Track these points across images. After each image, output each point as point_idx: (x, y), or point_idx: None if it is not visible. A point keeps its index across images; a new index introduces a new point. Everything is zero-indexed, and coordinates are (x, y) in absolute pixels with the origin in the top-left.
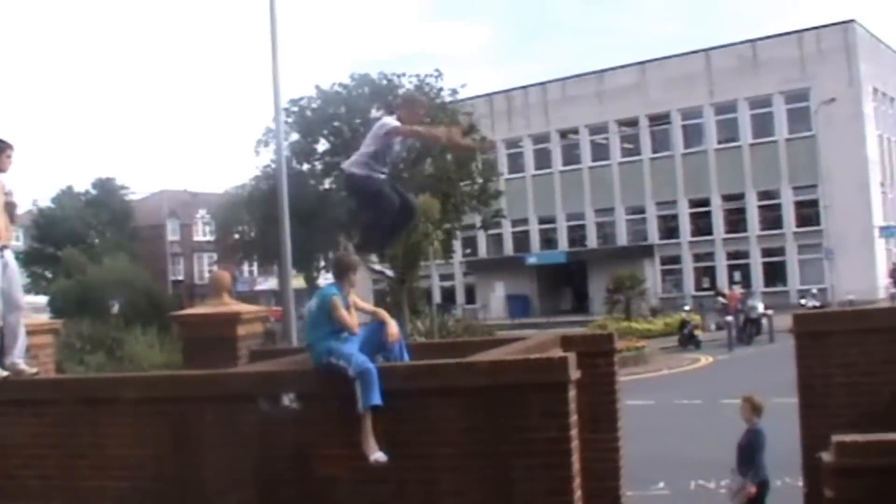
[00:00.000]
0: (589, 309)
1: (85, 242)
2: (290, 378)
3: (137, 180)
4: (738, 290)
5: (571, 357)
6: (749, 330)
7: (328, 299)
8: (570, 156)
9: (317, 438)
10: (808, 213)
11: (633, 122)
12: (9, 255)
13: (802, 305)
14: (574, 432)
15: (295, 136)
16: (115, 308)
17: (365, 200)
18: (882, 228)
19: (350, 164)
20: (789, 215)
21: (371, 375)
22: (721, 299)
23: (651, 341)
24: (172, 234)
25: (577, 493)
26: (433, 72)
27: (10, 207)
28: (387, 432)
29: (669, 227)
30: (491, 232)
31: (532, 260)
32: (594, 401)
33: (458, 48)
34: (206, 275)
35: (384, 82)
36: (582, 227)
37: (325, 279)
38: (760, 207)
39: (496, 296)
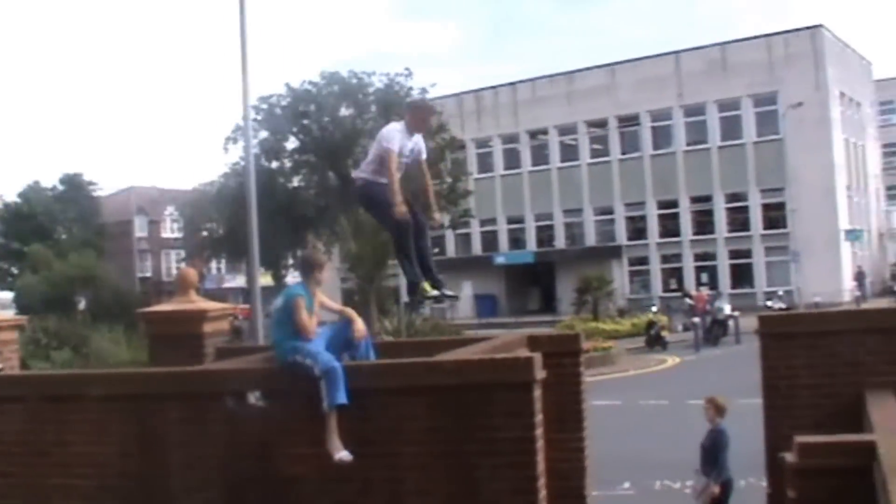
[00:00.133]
0: (557, 309)
1: (52, 238)
2: (256, 376)
3: (105, 176)
4: (705, 291)
5: (537, 357)
6: (715, 331)
7: (292, 299)
8: (539, 156)
9: (282, 437)
10: (776, 216)
11: (602, 124)
12: None
13: (769, 307)
14: (539, 432)
15: (264, 134)
16: (82, 304)
17: (369, 204)
18: (848, 232)
19: (357, 172)
20: (757, 218)
21: (336, 374)
22: (688, 300)
23: (618, 342)
24: (140, 230)
25: (542, 493)
26: (403, 71)
27: None
28: (352, 431)
29: (637, 228)
30: (459, 231)
31: (500, 260)
32: (560, 401)
33: (428, 48)
34: (174, 272)
35: (354, 81)
36: (550, 227)
37: (294, 277)
38: (728, 209)
39: (464, 295)
